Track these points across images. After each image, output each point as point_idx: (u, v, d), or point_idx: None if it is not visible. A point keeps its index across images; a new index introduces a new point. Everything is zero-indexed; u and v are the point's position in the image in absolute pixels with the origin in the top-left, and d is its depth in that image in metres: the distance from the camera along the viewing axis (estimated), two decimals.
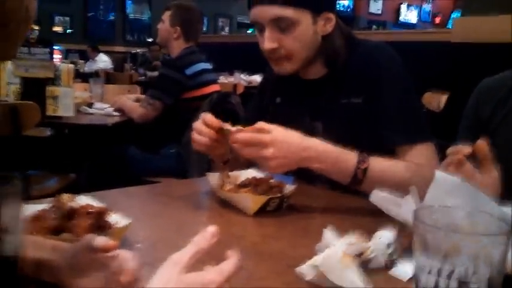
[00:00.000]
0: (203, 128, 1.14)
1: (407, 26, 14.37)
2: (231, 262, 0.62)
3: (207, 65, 2.85)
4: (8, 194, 0.58)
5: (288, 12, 1.19)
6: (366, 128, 1.21)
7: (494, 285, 0.49)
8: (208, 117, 1.15)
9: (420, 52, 4.77)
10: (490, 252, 0.51)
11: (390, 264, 0.82)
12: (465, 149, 0.89)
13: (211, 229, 0.62)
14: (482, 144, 0.89)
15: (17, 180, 0.62)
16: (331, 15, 1.26)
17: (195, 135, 1.16)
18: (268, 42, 1.21)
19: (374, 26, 13.63)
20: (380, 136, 1.20)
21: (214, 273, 0.60)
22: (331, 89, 1.28)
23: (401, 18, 14.89)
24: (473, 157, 0.91)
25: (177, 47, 2.81)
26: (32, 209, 0.87)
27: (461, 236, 0.50)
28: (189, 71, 2.67)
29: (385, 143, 1.19)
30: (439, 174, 0.70)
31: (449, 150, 0.92)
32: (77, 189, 2.46)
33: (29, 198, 2.14)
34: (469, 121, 1.15)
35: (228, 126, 1.12)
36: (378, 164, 1.12)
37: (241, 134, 1.08)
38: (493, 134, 0.89)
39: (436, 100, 4.11)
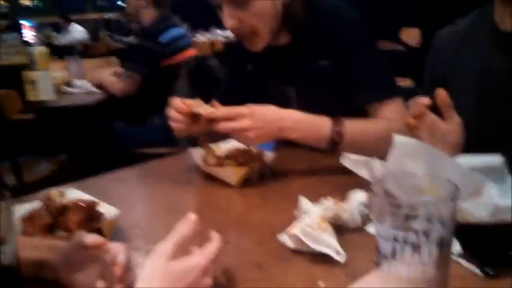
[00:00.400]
0: (176, 115, 1.16)
1: None
2: (213, 244, 0.68)
3: (181, 30, 2.81)
4: (1, 209, 0.63)
5: None
6: (336, 90, 1.24)
7: (445, 245, 0.55)
8: (177, 103, 1.16)
9: None
10: (441, 213, 0.56)
11: (367, 221, 0.88)
12: (425, 100, 0.93)
13: (192, 216, 0.67)
14: (442, 92, 0.92)
15: (6, 193, 0.66)
16: None
17: (172, 124, 1.18)
18: (227, 20, 1.22)
19: None
20: (350, 97, 1.23)
21: (199, 257, 0.65)
22: (298, 54, 1.30)
23: None
24: (434, 108, 0.95)
25: (148, 15, 2.75)
26: (23, 208, 0.92)
27: (412, 205, 0.55)
28: (163, 38, 2.64)
29: (356, 103, 1.22)
30: (398, 138, 0.74)
31: (411, 102, 0.96)
32: (69, 170, 2.51)
33: (22, 184, 2.19)
34: (427, 81, 1.19)
35: (198, 108, 1.14)
36: (353, 125, 1.17)
37: (218, 110, 1.11)
38: (449, 86, 0.92)
39: (413, 36, 4.11)
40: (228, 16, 1.21)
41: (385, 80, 1.26)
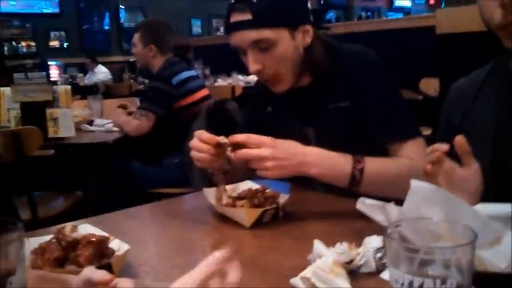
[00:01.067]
0: (200, 145, 1.16)
1: (402, 10, 14.33)
2: (234, 274, 0.64)
3: (192, 72, 2.93)
4: (12, 239, 0.62)
5: (265, 33, 1.21)
6: (356, 131, 1.25)
7: None
8: (203, 134, 1.17)
9: (411, 39, 4.79)
10: (459, 260, 0.54)
11: (381, 267, 0.86)
12: (443, 146, 0.93)
13: (218, 254, 0.64)
14: (461, 139, 0.91)
15: (19, 224, 0.66)
16: (308, 27, 1.28)
17: (195, 154, 1.18)
18: (252, 65, 1.25)
19: (363, 14, 13.59)
20: (371, 137, 1.23)
21: None
22: (318, 96, 1.32)
23: (396, 3, 14.84)
24: (452, 155, 0.94)
25: (158, 62, 2.87)
26: (36, 242, 0.91)
27: (428, 250, 0.54)
28: (175, 80, 2.73)
29: (377, 143, 1.22)
30: (415, 183, 0.73)
31: (428, 149, 0.95)
32: (84, 207, 2.52)
33: (36, 219, 2.20)
34: (443, 128, 1.18)
35: (223, 139, 1.15)
36: (374, 163, 1.16)
37: (241, 135, 1.12)
38: (466, 136, 0.92)
39: (432, 86, 4.13)
40: (252, 61, 1.25)
41: (406, 119, 1.26)
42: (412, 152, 1.21)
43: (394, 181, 1.12)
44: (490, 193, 0.95)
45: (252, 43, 1.23)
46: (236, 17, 1.24)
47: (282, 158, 1.11)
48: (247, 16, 1.21)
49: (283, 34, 1.24)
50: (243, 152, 1.11)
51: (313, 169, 1.14)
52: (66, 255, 0.88)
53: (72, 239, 0.90)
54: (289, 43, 1.25)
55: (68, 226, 0.95)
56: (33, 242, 0.91)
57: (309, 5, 1.32)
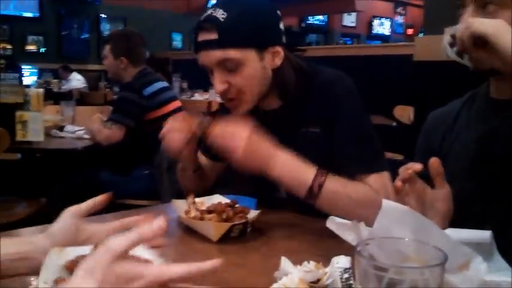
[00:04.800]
0: (177, 124, 1.25)
1: (381, 38, 14.64)
2: (183, 267, 0.61)
3: (164, 83, 2.85)
4: None
5: (232, 53, 1.19)
6: (325, 157, 1.23)
7: None
8: (179, 116, 1.25)
9: (389, 66, 4.87)
10: (427, 281, 0.53)
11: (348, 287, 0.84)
12: (416, 165, 0.93)
13: (161, 222, 0.61)
14: (435, 160, 0.92)
15: None
16: (278, 49, 1.25)
17: (168, 136, 1.27)
18: (218, 84, 1.22)
19: (343, 40, 13.85)
20: (337, 165, 1.22)
21: (153, 268, 0.58)
22: (289, 119, 1.30)
23: (374, 30, 15.16)
24: (425, 177, 0.94)
25: (129, 74, 2.81)
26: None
27: (397, 270, 0.52)
28: (146, 91, 2.67)
29: (342, 172, 1.21)
30: (386, 203, 0.72)
31: (401, 168, 0.95)
32: (47, 214, 2.44)
33: None
34: (421, 153, 1.19)
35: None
36: (336, 181, 1.15)
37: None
38: (442, 161, 0.93)
39: (406, 113, 4.19)
40: (218, 81, 1.23)
41: (374, 153, 1.25)
42: (375, 184, 1.20)
43: (351, 204, 1.13)
44: (468, 214, 0.95)
45: (218, 63, 1.21)
46: (203, 36, 1.21)
47: (254, 147, 1.11)
48: (214, 35, 1.19)
49: (251, 55, 1.21)
50: (222, 127, 1.12)
51: (276, 170, 1.13)
52: None
53: None
54: (256, 64, 1.22)
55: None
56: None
57: (281, 26, 1.28)
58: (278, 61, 1.26)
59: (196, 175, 1.44)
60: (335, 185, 1.14)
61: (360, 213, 0.97)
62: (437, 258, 0.54)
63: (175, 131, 1.29)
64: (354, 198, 1.14)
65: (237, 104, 1.27)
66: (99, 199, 0.93)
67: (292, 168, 1.14)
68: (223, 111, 1.46)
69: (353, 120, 1.26)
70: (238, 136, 1.10)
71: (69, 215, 0.87)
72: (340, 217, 0.88)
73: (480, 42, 0.91)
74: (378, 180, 1.20)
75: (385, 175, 1.21)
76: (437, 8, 2.74)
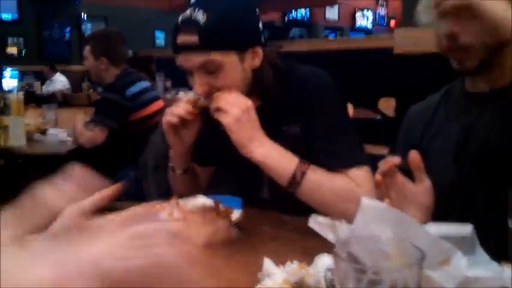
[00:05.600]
0: (184, 106, 1.24)
1: (364, 30, 14.69)
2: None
3: (146, 83, 2.83)
4: None
5: (213, 57, 1.18)
6: (307, 155, 1.23)
7: None
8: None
9: (371, 59, 4.88)
10: (406, 280, 0.53)
11: (332, 287, 0.84)
12: (395, 159, 0.93)
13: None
14: (415, 154, 0.93)
15: None
16: (258, 49, 1.26)
17: (169, 113, 1.26)
18: (198, 87, 1.22)
19: (326, 33, 13.87)
20: (317, 161, 1.22)
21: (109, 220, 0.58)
22: (269, 118, 1.30)
23: (358, 23, 15.20)
24: (407, 172, 0.95)
25: (111, 74, 2.78)
26: None
27: (376, 270, 0.52)
28: (129, 92, 2.65)
29: (322, 168, 1.21)
30: (365, 201, 0.72)
31: (381, 162, 0.96)
32: None
33: None
34: (402, 148, 1.20)
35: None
36: (318, 171, 1.17)
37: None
38: (423, 156, 0.93)
39: (390, 106, 4.21)
40: (199, 83, 1.22)
41: (353, 147, 1.25)
42: (356, 179, 1.20)
43: (332, 195, 1.16)
44: (450, 208, 0.96)
45: (198, 66, 1.20)
46: (183, 38, 1.20)
47: (247, 119, 1.15)
48: (194, 38, 1.17)
49: (231, 57, 1.21)
50: (227, 92, 1.18)
51: (260, 151, 1.16)
52: None
53: None
54: (236, 65, 1.22)
55: None
56: None
57: (260, 25, 1.29)
58: (258, 61, 1.26)
59: (186, 177, 1.42)
60: (317, 175, 1.16)
61: (340, 207, 0.98)
62: (415, 257, 0.54)
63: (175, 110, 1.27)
64: (335, 189, 1.16)
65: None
66: (107, 192, 0.68)
67: (276, 154, 1.17)
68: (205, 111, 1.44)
69: (329, 115, 1.26)
70: (239, 102, 1.15)
71: (70, 214, 0.80)
72: (321, 211, 0.88)
73: (463, 10, 0.91)
74: (358, 174, 1.21)
75: (366, 169, 1.22)
76: None
